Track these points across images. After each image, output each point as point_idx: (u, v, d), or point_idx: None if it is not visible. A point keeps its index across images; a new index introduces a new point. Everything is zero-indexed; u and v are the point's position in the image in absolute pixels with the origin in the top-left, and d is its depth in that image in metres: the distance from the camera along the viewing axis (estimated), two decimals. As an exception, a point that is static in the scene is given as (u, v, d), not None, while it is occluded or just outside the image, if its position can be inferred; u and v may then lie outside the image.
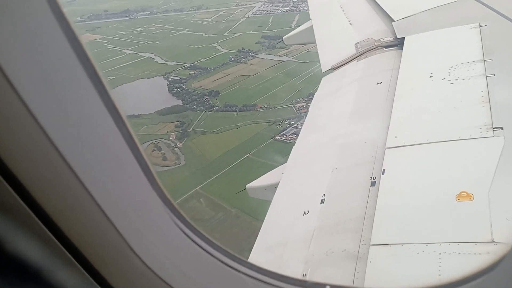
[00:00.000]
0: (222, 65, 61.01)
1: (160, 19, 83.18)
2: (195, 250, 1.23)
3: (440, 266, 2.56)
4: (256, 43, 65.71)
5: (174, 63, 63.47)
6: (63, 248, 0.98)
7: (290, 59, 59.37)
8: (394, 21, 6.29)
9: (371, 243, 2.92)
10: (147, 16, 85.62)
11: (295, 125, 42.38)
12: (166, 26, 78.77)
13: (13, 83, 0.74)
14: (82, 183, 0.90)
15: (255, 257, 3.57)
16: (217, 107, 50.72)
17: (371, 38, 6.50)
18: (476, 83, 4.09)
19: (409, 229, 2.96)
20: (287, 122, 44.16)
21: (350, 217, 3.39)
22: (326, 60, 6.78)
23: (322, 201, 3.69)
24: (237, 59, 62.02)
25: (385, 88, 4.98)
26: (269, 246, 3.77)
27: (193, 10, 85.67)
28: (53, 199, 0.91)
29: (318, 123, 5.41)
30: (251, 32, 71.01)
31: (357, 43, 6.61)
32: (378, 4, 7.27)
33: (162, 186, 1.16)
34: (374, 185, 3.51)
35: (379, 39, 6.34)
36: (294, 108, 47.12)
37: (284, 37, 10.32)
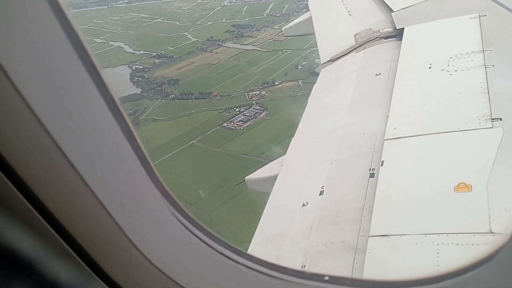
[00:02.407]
0: (188, 53, 59.17)
1: (138, 7, 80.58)
2: (194, 243, 1.23)
3: (438, 256, 2.58)
4: (225, 31, 64.07)
5: (141, 52, 61.41)
6: (62, 242, 0.98)
7: (255, 48, 58.29)
8: (393, 11, 6.25)
9: (369, 234, 2.93)
10: (126, 4, 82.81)
11: (244, 112, 42.18)
12: (142, 15, 76.36)
13: (11, 78, 0.74)
14: (81, 176, 0.89)
15: (254, 249, 3.59)
16: (173, 95, 49.57)
17: (370, 29, 6.47)
18: (475, 74, 4.08)
19: (408, 220, 2.98)
20: (237, 110, 43.60)
21: (349, 209, 3.40)
22: (325, 52, 6.76)
23: (321, 193, 3.70)
24: (204, 48, 60.40)
25: (384, 79, 4.96)
26: (268, 237, 3.79)
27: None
28: (52, 193, 0.91)
29: (317, 115, 5.41)
30: (223, 20, 69.19)
31: (356, 34, 6.58)
32: (377, -6, 7.22)
33: (161, 178, 1.16)
34: (373, 177, 3.51)
35: (378, 30, 6.31)
36: (247, 96, 46.70)
37: (283, 29, 10.29)
